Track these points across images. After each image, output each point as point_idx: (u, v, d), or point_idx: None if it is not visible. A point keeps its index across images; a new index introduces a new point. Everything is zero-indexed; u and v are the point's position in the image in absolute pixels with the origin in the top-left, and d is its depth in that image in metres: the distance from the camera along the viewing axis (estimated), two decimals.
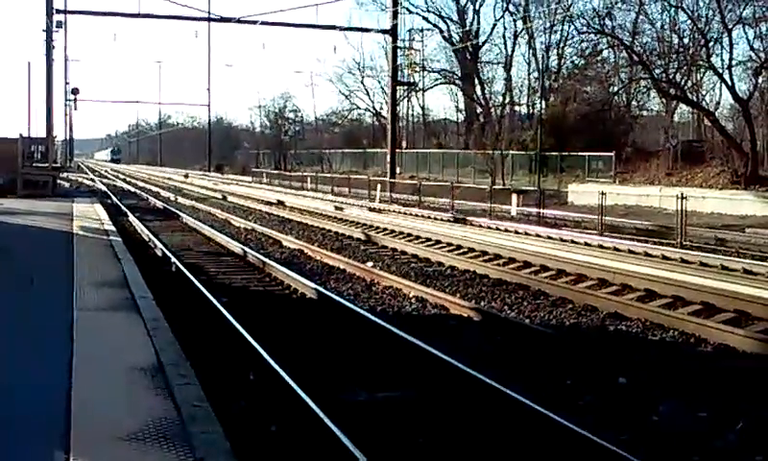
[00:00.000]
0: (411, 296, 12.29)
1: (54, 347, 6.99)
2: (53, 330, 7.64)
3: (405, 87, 53.15)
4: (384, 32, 43.53)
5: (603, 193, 22.58)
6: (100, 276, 11.03)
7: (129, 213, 26.54)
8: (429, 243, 19.42)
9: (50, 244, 15.79)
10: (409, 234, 21.15)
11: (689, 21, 38.68)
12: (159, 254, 16.70)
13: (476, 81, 58.06)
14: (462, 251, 17.79)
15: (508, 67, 56.22)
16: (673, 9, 39.67)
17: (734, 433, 6.52)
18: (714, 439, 6.41)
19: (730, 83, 36.34)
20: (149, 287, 10.26)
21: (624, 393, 7.59)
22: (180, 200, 36.27)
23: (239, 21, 38.90)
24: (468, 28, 57.72)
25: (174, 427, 4.93)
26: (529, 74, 54.48)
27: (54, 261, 12.79)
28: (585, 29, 45.79)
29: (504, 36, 57.14)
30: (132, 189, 47.09)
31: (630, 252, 16.79)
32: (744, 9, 35.84)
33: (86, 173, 72.71)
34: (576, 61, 51.88)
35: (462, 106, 63.09)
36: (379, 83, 65.47)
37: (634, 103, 47.78)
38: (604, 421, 6.64)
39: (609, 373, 8.14)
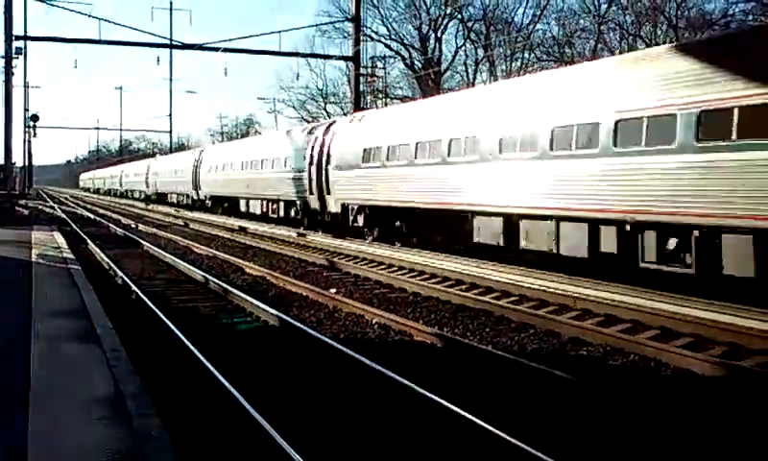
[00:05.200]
0: (374, 322, 12.29)
1: (10, 377, 6.86)
2: (8, 361, 7.51)
3: None
4: (346, 58, 43.73)
5: None
6: (59, 304, 10.88)
7: (89, 241, 26.20)
8: (392, 269, 19.45)
9: (7, 272, 15.53)
10: (372, 260, 21.16)
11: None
12: (120, 282, 16.50)
13: None
14: (425, 277, 17.84)
15: None
16: (631, 37, 40.48)
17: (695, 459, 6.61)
18: None
19: None
20: (109, 316, 10.14)
21: (587, 418, 7.65)
22: (142, 227, 35.90)
23: (201, 48, 38.76)
24: (430, 55, 58.36)
25: (133, 459, 4.87)
26: None
27: (10, 290, 12.57)
28: (545, 57, 46.58)
29: (466, 64, 57.96)
30: (92, 217, 46.51)
31: (590, 277, 16.93)
32: (701, 38, 36.68)
33: (47, 201, 71.68)
34: None
35: None
36: (342, 109, 65.75)
37: None
38: (568, 446, 6.68)
39: (571, 398, 8.20)
